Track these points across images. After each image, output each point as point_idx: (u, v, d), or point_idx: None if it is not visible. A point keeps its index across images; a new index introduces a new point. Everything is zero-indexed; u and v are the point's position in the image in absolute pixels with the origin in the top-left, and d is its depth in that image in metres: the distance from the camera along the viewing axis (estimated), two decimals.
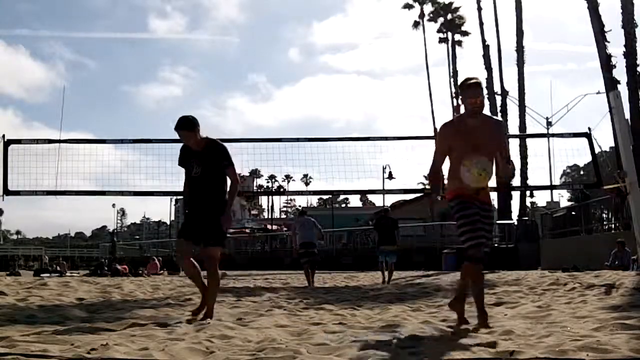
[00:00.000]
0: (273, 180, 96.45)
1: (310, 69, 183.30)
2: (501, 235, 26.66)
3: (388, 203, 32.43)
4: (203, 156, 4.72)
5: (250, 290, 9.04)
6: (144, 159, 9.00)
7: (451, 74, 41.26)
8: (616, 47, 22.03)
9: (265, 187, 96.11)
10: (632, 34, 21.71)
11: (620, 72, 21.82)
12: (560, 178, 61.29)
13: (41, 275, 15.28)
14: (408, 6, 43.37)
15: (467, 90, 3.88)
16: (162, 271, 18.90)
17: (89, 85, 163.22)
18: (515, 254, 22.18)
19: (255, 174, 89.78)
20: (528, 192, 29.98)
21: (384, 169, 23.50)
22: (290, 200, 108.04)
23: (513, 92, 31.13)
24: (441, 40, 43.00)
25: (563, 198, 52.33)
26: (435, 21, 42.97)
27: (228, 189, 4.77)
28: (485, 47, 33.44)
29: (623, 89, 20.87)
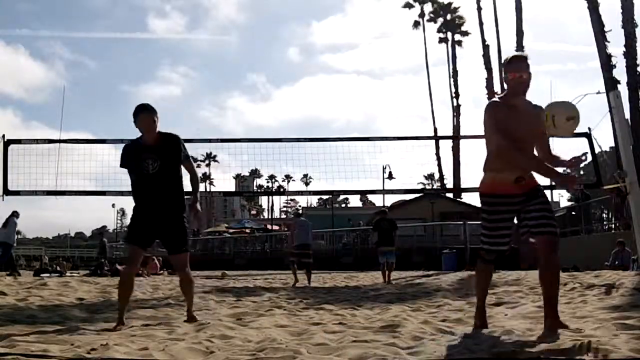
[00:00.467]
0: (273, 180, 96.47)
1: (309, 69, 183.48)
2: None
3: (388, 203, 32.40)
4: (159, 150, 4.37)
5: (250, 290, 9.05)
6: None
7: (451, 74, 41.34)
8: (616, 47, 22.06)
9: (265, 187, 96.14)
10: (632, 34, 21.71)
11: (620, 72, 21.85)
12: None
13: (41, 275, 15.27)
14: (408, 5, 43.43)
15: (509, 64, 3.53)
16: (162, 271, 18.88)
17: (89, 85, 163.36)
18: (515, 254, 22.16)
19: (255, 174, 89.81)
20: None
21: (384, 169, 23.46)
22: (290, 200, 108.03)
23: None
24: (441, 40, 43.09)
25: (563, 198, 52.38)
26: (435, 21, 43.03)
27: (190, 184, 4.51)
28: (485, 47, 33.51)
29: (623, 89, 20.90)
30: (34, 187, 8.10)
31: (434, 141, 41.63)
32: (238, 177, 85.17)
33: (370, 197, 74.01)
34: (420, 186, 61.64)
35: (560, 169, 3.56)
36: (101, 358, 2.77)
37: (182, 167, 4.50)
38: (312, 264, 11.77)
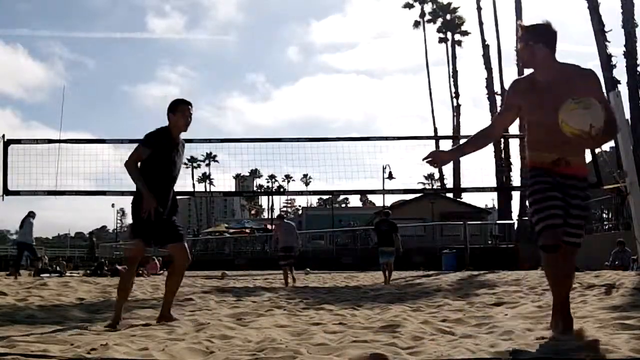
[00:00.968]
0: (273, 180, 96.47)
1: (309, 69, 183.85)
2: (501, 235, 26.66)
3: (388, 203, 32.41)
4: (180, 150, 4.45)
5: (250, 290, 9.05)
6: None
7: (451, 74, 41.34)
8: (616, 47, 22.10)
9: (265, 187, 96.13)
10: (632, 34, 21.71)
11: (620, 72, 21.86)
12: None
13: (41, 275, 15.27)
14: (409, 5, 43.44)
15: (527, 33, 3.27)
16: (162, 271, 18.88)
17: (88, 84, 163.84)
18: (515, 254, 22.18)
19: (255, 174, 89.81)
20: (528, 192, 29.94)
21: (384, 169, 23.46)
22: (290, 200, 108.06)
23: None
24: (441, 40, 43.09)
25: None
26: (435, 22, 43.04)
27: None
28: (485, 47, 33.51)
29: (623, 89, 20.92)
30: (34, 187, 8.10)
31: (434, 141, 41.55)
32: (238, 177, 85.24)
33: (370, 197, 74.11)
34: (420, 186, 61.68)
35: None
36: (101, 358, 2.77)
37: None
38: (294, 264, 12.15)
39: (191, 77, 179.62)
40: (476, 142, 3.53)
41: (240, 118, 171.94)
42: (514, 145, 30.97)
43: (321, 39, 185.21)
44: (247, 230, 42.19)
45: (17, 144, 8.11)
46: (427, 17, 43.26)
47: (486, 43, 33.55)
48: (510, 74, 34.44)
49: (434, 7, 42.99)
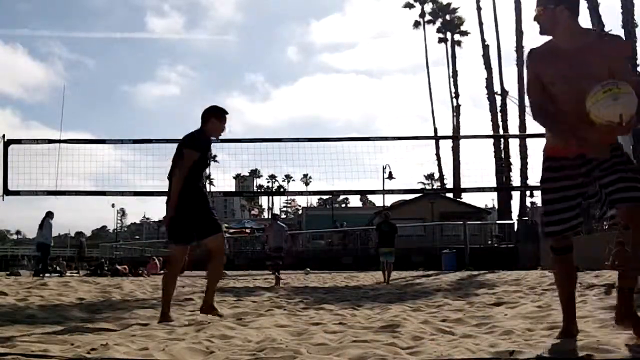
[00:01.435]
0: (273, 180, 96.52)
1: (308, 69, 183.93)
2: (501, 235, 26.65)
3: (388, 203, 32.42)
4: (210, 150, 4.91)
5: (250, 290, 9.05)
6: (144, 159, 9.00)
7: (451, 74, 41.34)
8: None
9: (265, 187, 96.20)
10: (632, 34, 21.71)
11: None
12: None
13: (41, 275, 15.29)
14: (409, 5, 43.44)
15: None
16: (162, 271, 18.89)
17: (88, 84, 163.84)
18: (515, 254, 22.17)
19: (255, 174, 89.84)
20: (528, 192, 29.98)
21: (383, 169, 23.48)
22: (291, 200, 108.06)
23: (513, 92, 31.20)
24: (440, 40, 43.08)
25: None
26: (435, 22, 43.04)
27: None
28: (485, 47, 33.49)
29: None
30: (34, 187, 8.12)
31: (433, 141, 41.63)
32: (238, 177, 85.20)
33: (370, 197, 74.10)
34: (420, 186, 61.68)
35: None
36: (101, 358, 2.77)
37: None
38: (280, 265, 12.33)
39: (191, 77, 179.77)
40: (544, 115, 2.97)
41: (239, 118, 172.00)
42: (514, 145, 31.00)
43: (321, 39, 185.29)
44: (247, 231, 42.16)
45: (17, 144, 8.12)
46: (427, 17, 43.27)
47: (486, 43, 33.54)
48: (511, 74, 34.51)
49: (434, 7, 43.00)
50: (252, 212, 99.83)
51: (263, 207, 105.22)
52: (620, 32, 21.90)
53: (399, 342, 3.20)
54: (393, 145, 9.20)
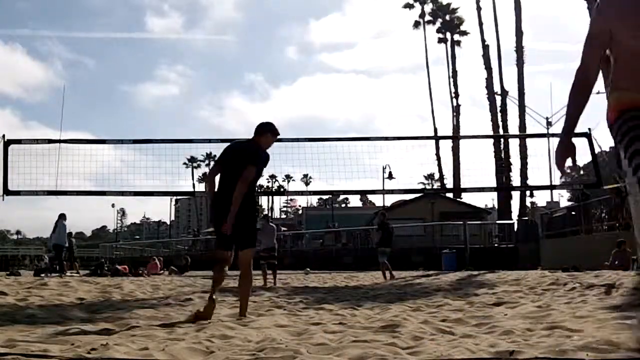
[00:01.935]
0: (273, 180, 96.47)
1: (307, 68, 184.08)
2: (501, 235, 26.65)
3: (388, 203, 32.42)
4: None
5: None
6: (144, 159, 9.01)
7: (451, 74, 41.34)
8: None
9: (265, 187, 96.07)
10: None
11: None
12: (560, 178, 61.39)
13: (41, 275, 15.30)
14: (409, 6, 43.44)
15: None
16: (162, 271, 18.90)
17: (87, 84, 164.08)
18: (515, 254, 22.17)
19: None
20: (528, 192, 30.00)
21: (383, 169, 23.47)
22: (291, 200, 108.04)
23: (513, 92, 31.24)
24: (440, 40, 43.08)
25: (563, 198, 52.39)
26: (434, 22, 43.03)
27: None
28: (485, 47, 33.51)
29: None
30: (34, 187, 8.12)
31: (433, 141, 41.62)
32: None
33: (370, 197, 74.07)
34: (420, 186, 61.62)
35: None
36: (101, 358, 2.77)
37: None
38: (276, 265, 12.42)
39: (190, 76, 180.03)
40: (580, 99, 2.61)
41: (239, 118, 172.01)
42: (514, 145, 31.00)
43: (320, 39, 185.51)
44: None
45: (17, 144, 8.11)
46: (427, 17, 43.27)
47: (486, 43, 33.56)
48: (511, 74, 34.49)
49: (434, 7, 42.98)
50: None
51: (263, 207, 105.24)
52: None
53: (399, 342, 3.20)
54: (393, 145, 9.20)
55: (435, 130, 41.96)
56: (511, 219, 28.23)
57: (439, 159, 41.09)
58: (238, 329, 3.98)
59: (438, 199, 30.02)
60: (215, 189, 4.95)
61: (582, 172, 35.13)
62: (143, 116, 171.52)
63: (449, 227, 26.45)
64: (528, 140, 28.18)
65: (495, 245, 26.11)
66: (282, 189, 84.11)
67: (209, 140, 8.80)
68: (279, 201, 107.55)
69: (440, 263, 20.17)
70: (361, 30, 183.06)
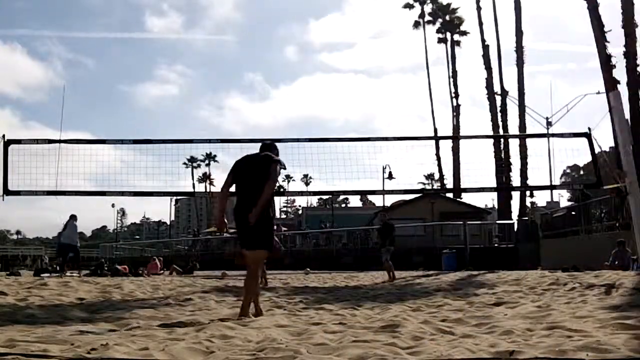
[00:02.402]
0: None
1: (307, 68, 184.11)
2: (501, 235, 26.65)
3: (388, 203, 32.39)
4: None
5: None
6: (144, 159, 9.00)
7: (450, 74, 41.32)
8: (616, 47, 22.01)
9: None
10: (632, 34, 21.69)
11: (620, 72, 21.80)
12: (560, 178, 61.35)
13: (41, 275, 15.29)
14: (409, 6, 43.42)
15: None
16: (162, 271, 18.89)
17: (87, 84, 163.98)
18: (515, 254, 22.16)
19: None
20: (528, 192, 29.99)
21: (383, 169, 23.46)
22: (291, 200, 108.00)
23: (513, 92, 31.21)
24: (440, 40, 43.06)
25: (563, 198, 52.46)
26: (434, 22, 43.02)
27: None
28: (485, 47, 33.48)
29: (623, 89, 20.85)
30: (34, 187, 8.10)
31: (433, 141, 41.58)
32: None
33: (370, 197, 74.02)
34: (420, 186, 61.57)
35: None
36: (101, 358, 2.77)
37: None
38: (276, 265, 12.49)
39: (190, 76, 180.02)
40: None
41: (239, 118, 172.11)
42: (514, 145, 30.97)
43: (320, 39, 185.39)
44: None
45: (17, 144, 8.10)
46: (427, 17, 43.25)
47: (486, 43, 33.53)
48: (510, 74, 34.49)
49: (434, 7, 42.96)
50: None
51: None
52: (620, 32, 21.91)
53: (399, 342, 3.20)
54: (393, 145, 9.15)
55: (435, 130, 41.95)
56: (511, 219, 28.22)
57: (439, 159, 41.11)
58: (238, 329, 3.98)
59: (438, 199, 30.00)
60: (227, 198, 5.17)
61: (582, 172, 35.14)
62: (143, 116, 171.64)
63: (449, 227, 26.43)
64: (528, 140, 28.19)
65: (495, 245, 26.09)
66: (282, 189, 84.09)
67: (209, 141, 8.78)
68: (279, 201, 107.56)
69: (440, 263, 20.16)
70: (361, 30, 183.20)
